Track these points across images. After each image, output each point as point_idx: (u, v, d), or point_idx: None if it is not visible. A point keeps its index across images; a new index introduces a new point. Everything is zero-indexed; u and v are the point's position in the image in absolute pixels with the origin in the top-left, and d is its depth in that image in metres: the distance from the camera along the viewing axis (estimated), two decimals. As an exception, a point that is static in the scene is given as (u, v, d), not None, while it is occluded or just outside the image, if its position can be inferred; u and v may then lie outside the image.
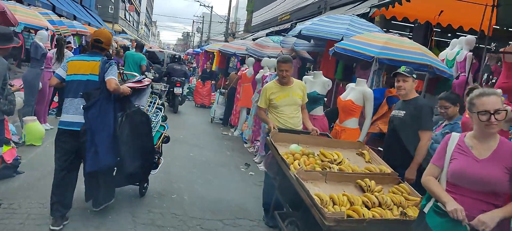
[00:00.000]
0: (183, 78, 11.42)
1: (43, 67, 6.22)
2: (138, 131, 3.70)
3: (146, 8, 72.66)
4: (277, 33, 18.21)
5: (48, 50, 6.62)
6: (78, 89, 3.41)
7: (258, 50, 10.60)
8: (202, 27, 59.23)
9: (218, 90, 10.93)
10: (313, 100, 4.40)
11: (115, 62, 3.55)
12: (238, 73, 9.48)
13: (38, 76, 6.11)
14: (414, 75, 3.71)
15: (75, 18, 17.95)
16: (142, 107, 3.96)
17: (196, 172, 5.60)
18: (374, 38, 6.36)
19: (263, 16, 27.35)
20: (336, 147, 3.68)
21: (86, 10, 25.67)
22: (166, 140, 4.61)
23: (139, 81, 3.99)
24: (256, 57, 10.51)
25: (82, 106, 3.35)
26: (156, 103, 4.60)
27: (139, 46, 9.96)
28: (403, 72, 3.63)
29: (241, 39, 24.98)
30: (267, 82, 6.57)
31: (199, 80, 13.40)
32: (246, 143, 7.95)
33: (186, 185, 5.00)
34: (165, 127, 4.58)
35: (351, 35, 7.25)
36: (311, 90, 4.44)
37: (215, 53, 16.75)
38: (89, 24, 19.92)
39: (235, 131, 9.03)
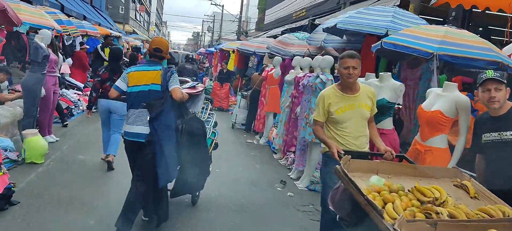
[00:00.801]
0: (194, 77, 10.87)
1: (45, 72, 5.37)
2: (195, 138, 3.64)
3: (156, 9, 72.21)
4: (292, 30, 17.35)
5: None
6: (140, 99, 3.38)
7: (282, 48, 9.68)
8: (213, 26, 58.49)
9: (239, 93, 10.02)
10: (381, 110, 3.44)
11: (176, 70, 3.55)
12: (262, 74, 8.56)
13: (39, 81, 5.27)
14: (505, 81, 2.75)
15: (85, 18, 17.25)
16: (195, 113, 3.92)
17: (226, 193, 4.70)
18: (429, 31, 5.46)
19: (277, 14, 26.59)
20: (427, 176, 2.73)
21: (96, 10, 25.02)
22: (216, 146, 4.41)
23: (193, 87, 3.88)
24: (280, 56, 9.62)
25: (147, 117, 3.32)
26: (208, 109, 4.50)
27: None
28: (495, 78, 2.66)
29: (254, 37, 24.20)
30: (303, 85, 5.65)
31: (216, 81, 12.53)
32: (276, 153, 7.03)
33: (216, 213, 4.09)
34: (215, 133, 4.41)
35: (397, 28, 6.34)
36: (378, 97, 3.48)
37: (230, 52, 15.91)
38: (100, 25, 19.22)
39: (261, 138, 8.11)
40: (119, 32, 21.86)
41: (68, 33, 10.65)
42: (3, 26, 8.01)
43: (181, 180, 3.72)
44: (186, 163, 3.58)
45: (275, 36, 15.73)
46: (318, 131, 3.15)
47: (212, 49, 23.34)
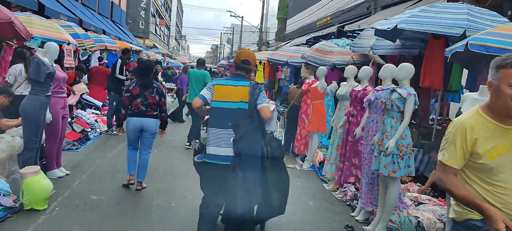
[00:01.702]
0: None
1: (49, 93, 4.36)
2: (276, 159, 3.36)
3: (176, 23, 72.40)
4: (316, 39, 16.32)
5: (57, 69, 4.74)
6: (227, 118, 3.14)
7: (320, 57, 8.57)
8: (233, 38, 58.01)
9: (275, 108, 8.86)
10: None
11: (264, 86, 2.74)
12: (303, 87, 7.42)
13: (42, 106, 4.26)
14: None
15: (104, 32, 16.58)
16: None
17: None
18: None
19: (299, 23, 26.07)
20: None
21: (116, 25, 24.54)
22: None
23: None
24: (318, 66, 8.51)
25: (232, 139, 3.11)
26: (278, 127, 4.04)
27: (201, 63, 8.39)
28: None
29: (275, 47, 23.43)
30: (370, 101, 4.46)
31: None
32: (326, 182, 5.84)
33: None
34: None
35: (477, 27, 5.22)
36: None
37: (257, 63, 14.89)
38: (120, 39, 18.55)
39: (304, 163, 6.92)
40: (140, 46, 21.19)
41: (85, 47, 9.82)
42: (14, 41, 7.20)
43: (265, 205, 3.43)
44: (270, 187, 3.31)
45: (310, 45, 14.75)
46: (453, 184, 1.93)
47: (236, 61, 22.32)
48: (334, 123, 5.82)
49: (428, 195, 5.04)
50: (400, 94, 3.91)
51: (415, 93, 3.91)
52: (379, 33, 6.46)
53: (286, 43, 22.77)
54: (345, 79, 8.81)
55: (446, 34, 5.50)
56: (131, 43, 19.15)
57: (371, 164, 4.23)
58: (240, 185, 3.07)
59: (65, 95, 4.90)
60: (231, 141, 3.07)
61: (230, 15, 45.90)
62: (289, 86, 10.21)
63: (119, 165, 5.79)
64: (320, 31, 17.86)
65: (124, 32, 24.82)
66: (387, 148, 3.85)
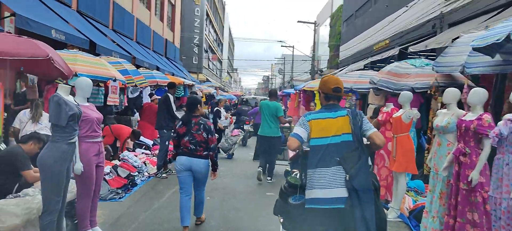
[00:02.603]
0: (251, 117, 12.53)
1: (73, 140, 3.49)
2: (376, 193, 2.96)
3: (228, 56, 73.73)
4: (373, 64, 15.02)
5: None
6: (332, 155, 2.82)
7: (394, 80, 7.28)
8: (284, 68, 57.67)
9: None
10: None
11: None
12: (380, 117, 6.14)
13: (65, 156, 3.39)
14: None
15: (158, 69, 16.43)
16: None
17: None
18: None
19: (353, 49, 25.05)
20: None
21: (170, 61, 24.78)
22: None
23: None
24: (392, 91, 7.23)
25: (344, 176, 2.77)
26: None
27: (273, 94, 7.75)
28: None
29: (332, 73, 22.28)
30: (502, 135, 3.14)
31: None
32: (426, 242, 4.45)
33: None
34: None
35: None
36: None
37: (315, 92, 13.82)
38: (173, 75, 18.40)
39: (388, 211, 5.56)
40: (194, 81, 21.05)
41: (134, 84, 9.32)
42: (63, 79, 6.74)
43: None
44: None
45: (368, 70, 13.49)
46: None
47: (291, 90, 21.48)
48: (432, 163, 4.48)
49: None
50: None
51: None
52: (479, 48, 5.11)
53: (340, 70, 21.58)
54: (424, 105, 7.49)
55: None
56: (185, 78, 18.98)
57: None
58: (356, 228, 2.70)
59: (100, 139, 4.07)
60: (343, 178, 2.74)
61: (281, 46, 45.74)
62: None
63: (166, 220, 4.87)
64: (380, 55, 16.59)
65: (178, 68, 25.00)
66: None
